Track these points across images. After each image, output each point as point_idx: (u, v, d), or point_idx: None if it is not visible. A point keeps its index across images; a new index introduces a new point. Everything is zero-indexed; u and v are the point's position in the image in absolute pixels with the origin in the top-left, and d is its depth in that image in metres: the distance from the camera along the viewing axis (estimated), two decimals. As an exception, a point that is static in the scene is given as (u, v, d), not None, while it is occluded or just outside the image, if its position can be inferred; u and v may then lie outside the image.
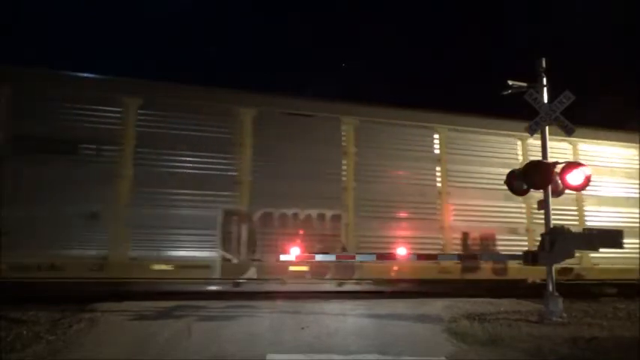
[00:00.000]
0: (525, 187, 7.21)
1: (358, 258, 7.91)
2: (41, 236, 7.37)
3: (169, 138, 8.20)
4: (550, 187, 7.10)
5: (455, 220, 9.31)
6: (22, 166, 7.46)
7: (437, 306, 7.71)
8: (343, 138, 9.11)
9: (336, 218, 8.70)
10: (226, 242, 8.16)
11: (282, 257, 7.57)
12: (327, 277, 8.52)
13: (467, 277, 9.03)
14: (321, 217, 8.62)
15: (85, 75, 8.36)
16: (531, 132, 7.37)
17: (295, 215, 8.49)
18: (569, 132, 7.23)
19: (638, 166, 10.53)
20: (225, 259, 8.10)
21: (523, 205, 9.56)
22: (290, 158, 8.66)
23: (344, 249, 8.54)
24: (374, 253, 8.46)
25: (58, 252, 7.41)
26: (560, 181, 7.04)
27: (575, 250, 7.18)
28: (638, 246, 9.64)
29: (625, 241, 6.88)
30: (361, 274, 8.64)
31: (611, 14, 18.23)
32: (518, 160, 9.68)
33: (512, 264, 8.96)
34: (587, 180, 6.91)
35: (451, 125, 9.69)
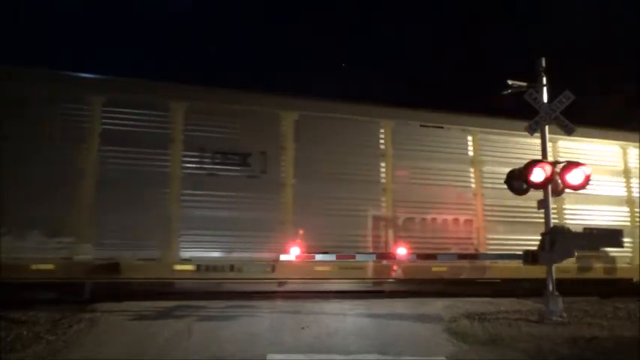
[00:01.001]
0: (525, 186, 7.21)
1: (358, 257, 7.94)
2: (226, 241, 8.23)
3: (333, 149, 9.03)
4: (550, 187, 7.10)
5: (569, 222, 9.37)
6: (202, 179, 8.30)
7: (437, 306, 7.71)
8: (470, 149, 9.80)
9: (469, 223, 9.40)
10: (376, 245, 8.84)
11: (282, 257, 7.58)
12: (463, 276, 9.17)
13: (582, 277, 9.28)
14: (456, 221, 9.29)
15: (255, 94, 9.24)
16: (531, 132, 7.37)
17: (433, 220, 9.19)
18: (569, 132, 7.23)
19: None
20: (375, 261, 8.65)
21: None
22: (425, 167, 9.44)
23: (476, 250, 9.32)
24: (374, 253, 8.52)
25: (238, 255, 8.22)
26: (560, 181, 7.03)
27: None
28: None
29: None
30: (491, 273, 9.25)
31: (610, 14, 18.23)
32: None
33: (621, 264, 9.66)
34: (587, 179, 6.90)
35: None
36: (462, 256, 8.76)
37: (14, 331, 5.59)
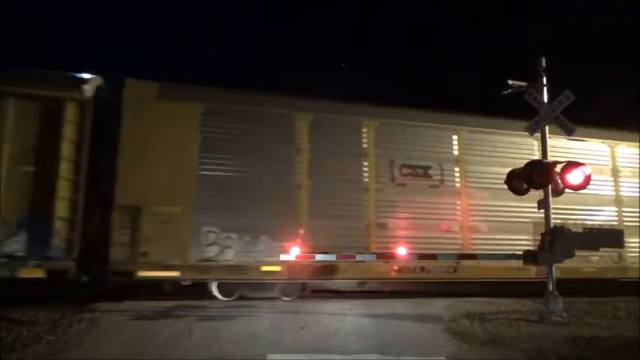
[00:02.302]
0: (525, 186, 7.21)
1: (358, 258, 7.94)
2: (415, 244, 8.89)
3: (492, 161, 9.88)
4: (550, 187, 7.10)
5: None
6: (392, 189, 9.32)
7: (437, 306, 7.70)
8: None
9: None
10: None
11: (282, 257, 7.60)
12: (608, 276, 9.76)
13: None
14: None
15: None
16: (531, 131, 7.37)
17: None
18: (569, 132, 7.23)
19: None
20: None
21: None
22: None
23: (620, 256, 9.92)
24: (374, 253, 8.52)
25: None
26: (560, 181, 7.03)
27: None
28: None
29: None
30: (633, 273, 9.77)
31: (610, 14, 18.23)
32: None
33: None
34: (587, 179, 6.90)
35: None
36: (461, 256, 8.77)
37: (14, 331, 5.59)
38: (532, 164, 7.11)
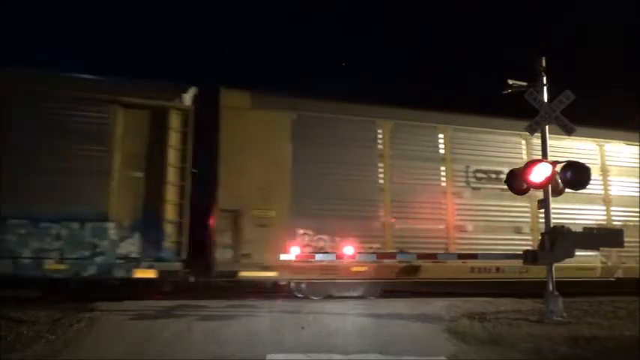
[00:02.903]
0: (525, 186, 7.21)
1: (358, 258, 7.95)
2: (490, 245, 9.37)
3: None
4: (550, 187, 7.09)
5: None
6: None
7: (437, 305, 7.70)
8: None
9: None
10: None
11: (282, 257, 7.61)
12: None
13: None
14: None
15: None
16: (531, 131, 7.37)
17: None
18: (569, 131, 7.22)
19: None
20: (602, 262, 9.81)
21: None
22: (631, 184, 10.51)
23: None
24: (374, 253, 8.53)
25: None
26: (560, 180, 7.03)
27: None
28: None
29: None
30: None
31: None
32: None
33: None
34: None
35: None
36: (462, 256, 8.77)
37: (14, 331, 5.58)
38: (532, 164, 7.11)
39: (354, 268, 8.54)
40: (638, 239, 9.89)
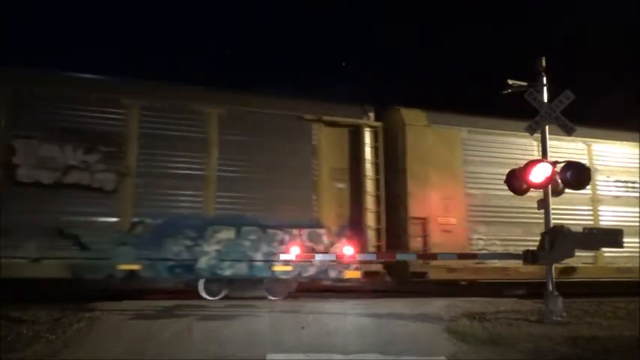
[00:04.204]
0: (525, 186, 7.21)
1: (358, 258, 7.96)
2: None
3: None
4: (550, 187, 7.10)
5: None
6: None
7: (437, 305, 7.71)
8: None
9: None
10: None
11: (282, 257, 7.62)
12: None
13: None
14: None
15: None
16: (531, 131, 7.38)
17: None
18: (569, 131, 7.23)
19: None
20: None
21: None
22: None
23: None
24: (374, 253, 8.55)
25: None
26: (559, 180, 7.03)
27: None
28: None
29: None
30: None
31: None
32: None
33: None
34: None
35: None
36: (461, 256, 8.78)
37: (14, 331, 5.58)
38: (531, 164, 7.12)
39: (522, 269, 9.16)
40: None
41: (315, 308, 7.37)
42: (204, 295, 8.34)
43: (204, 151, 8.47)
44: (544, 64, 7.42)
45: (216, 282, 8.35)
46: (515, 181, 7.29)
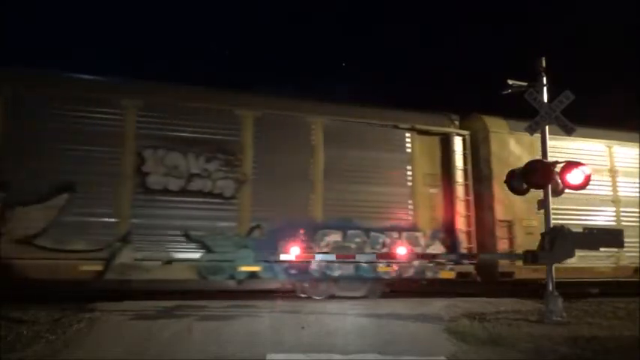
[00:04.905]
0: (525, 186, 7.21)
1: (358, 258, 7.97)
2: None
3: None
4: (550, 187, 7.10)
5: None
6: None
7: (436, 305, 7.71)
8: None
9: None
10: None
11: (283, 257, 7.62)
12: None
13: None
14: None
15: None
16: (531, 131, 7.38)
17: None
18: (569, 131, 7.23)
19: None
20: None
21: None
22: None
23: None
24: (374, 253, 8.54)
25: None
26: (560, 181, 7.03)
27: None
28: None
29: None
30: None
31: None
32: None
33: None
34: (587, 179, 6.90)
35: None
36: (462, 256, 8.80)
37: (14, 331, 5.57)
38: (532, 164, 7.13)
39: (603, 269, 9.65)
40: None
41: (316, 308, 7.37)
42: (312, 295, 8.69)
43: (310, 159, 9.00)
44: (544, 64, 7.43)
45: (324, 282, 8.74)
46: (515, 180, 7.31)
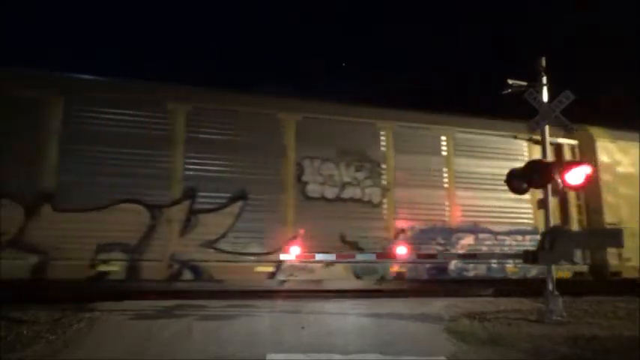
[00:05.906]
0: (525, 186, 7.21)
1: (358, 257, 7.97)
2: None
3: None
4: (550, 187, 7.10)
5: None
6: None
7: (437, 305, 7.71)
8: None
9: None
10: None
11: (283, 256, 7.62)
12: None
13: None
14: None
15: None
16: (531, 131, 7.38)
17: None
18: (569, 131, 7.24)
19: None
20: None
21: None
22: None
23: None
24: (374, 253, 8.53)
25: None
26: (560, 180, 7.03)
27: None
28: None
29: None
30: None
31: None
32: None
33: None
34: (588, 179, 6.90)
35: None
36: (462, 256, 8.78)
37: (14, 331, 5.58)
38: (532, 164, 7.13)
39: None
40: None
41: (316, 308, 7.36)
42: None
43: (443, 168, 9.71)
44: (544, 64, 7.43)
45: (459, 282, 9.28)
46: (515, 180, 7.30)
